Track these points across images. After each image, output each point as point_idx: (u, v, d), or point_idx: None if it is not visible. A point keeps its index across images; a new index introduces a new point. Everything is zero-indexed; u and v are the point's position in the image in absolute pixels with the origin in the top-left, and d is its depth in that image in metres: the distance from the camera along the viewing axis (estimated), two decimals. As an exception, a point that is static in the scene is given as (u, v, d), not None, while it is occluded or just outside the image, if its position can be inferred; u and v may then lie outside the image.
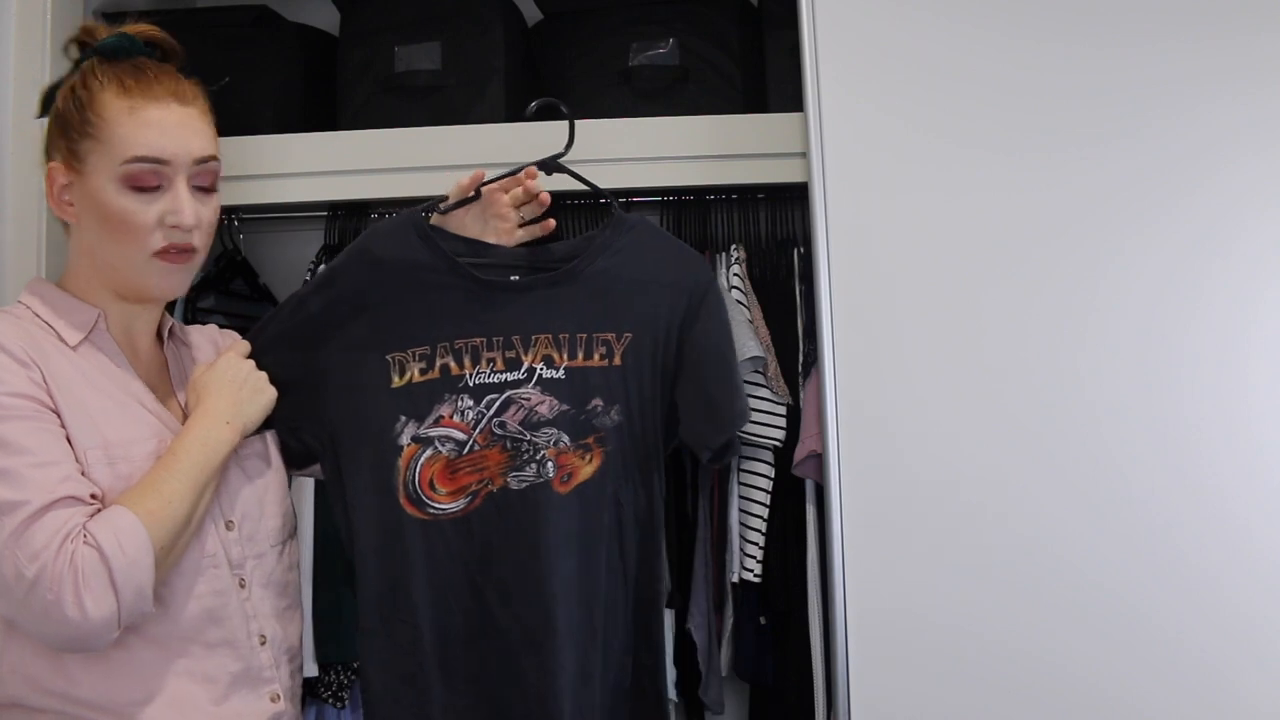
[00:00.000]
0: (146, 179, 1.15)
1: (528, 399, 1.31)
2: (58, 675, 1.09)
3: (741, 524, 1.75)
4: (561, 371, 1.31)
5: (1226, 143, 1.49)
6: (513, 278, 1.34)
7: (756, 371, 1.72)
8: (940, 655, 1.45)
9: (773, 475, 1.74)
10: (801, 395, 1.73)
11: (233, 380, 1.23)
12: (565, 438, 1.31)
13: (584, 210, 1.87)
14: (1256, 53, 1.49)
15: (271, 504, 1.27)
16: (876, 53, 1.54)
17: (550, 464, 1.30)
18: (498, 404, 1.30)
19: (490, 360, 1.31)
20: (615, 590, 1.33)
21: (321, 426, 1.30)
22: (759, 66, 1.89)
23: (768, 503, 1.74)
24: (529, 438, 1.30)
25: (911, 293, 1.50)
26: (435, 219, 1.39)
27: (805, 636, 1.71)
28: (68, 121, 1.16)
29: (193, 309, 1.86)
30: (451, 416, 1.30)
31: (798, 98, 1.58)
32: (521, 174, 1.40)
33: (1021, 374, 1.48)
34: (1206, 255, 1.48)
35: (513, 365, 1.31)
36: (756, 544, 1.73)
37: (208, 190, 1.21)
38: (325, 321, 1.33)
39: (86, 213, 1.17)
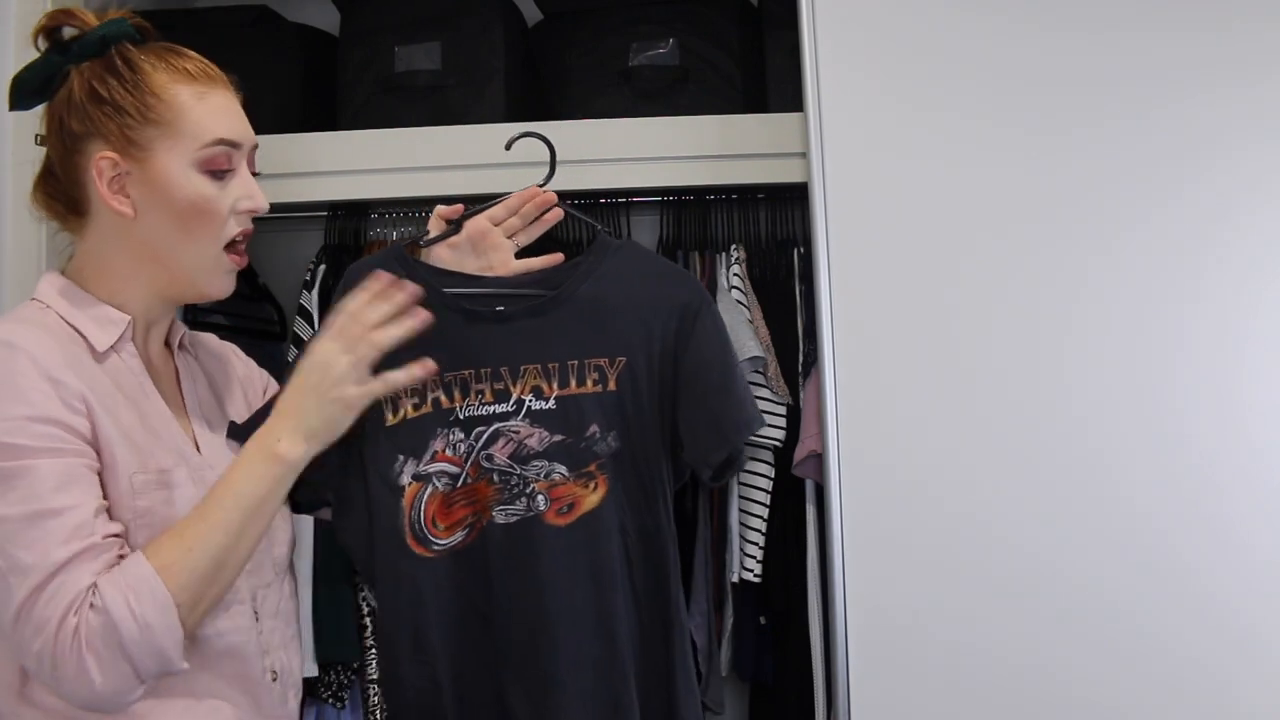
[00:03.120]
0: (221, 162, 1.11)
1: (516, 432, 1.27)
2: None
3: (741, 524, 1.75)
4: (552, 401, 1.28)
5: (1228, 133, 1.49)
6: (499, 308, 1.31)
7: (756, 371, 1.72)
8: (940, 654, 1.45)
9: (773, 475, 1.74)
10: (801, 395, 1.73)
11: (309, 386, 1.10)
12: (561, 468, 1.28)
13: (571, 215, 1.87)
14: (1258, 42, 1.49)
15: (280, 530, 1.22)
16: (877, 53, 1.54)
17: (541, 497, 1.27)
18: (485, 436, 1.27)
19: (479, 392, 1.27)
20: (633, 618, 1.31)
21: (326, 474, 1.27)
22: (759, 66, 1.89)
23: (768, 503, 1.74)
24: (518, 471, 1.27)
25: (911, 293, 1.50)
26: (423, 254, 1.36)
27: (805, 636, 1.71)
28: (120, 108, 1.10)
29: (193, 309, 1.86)
30: (445, 451, 1.27)
31: (798, 98, 1.58)
32: (514, 201, 1.38)
33: (1023, 373, 1.48)
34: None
35: (501, 397, 1.27)
36: (756, 544, 1.73)
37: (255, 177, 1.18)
38: None
39: (151, 203, 1.10)
